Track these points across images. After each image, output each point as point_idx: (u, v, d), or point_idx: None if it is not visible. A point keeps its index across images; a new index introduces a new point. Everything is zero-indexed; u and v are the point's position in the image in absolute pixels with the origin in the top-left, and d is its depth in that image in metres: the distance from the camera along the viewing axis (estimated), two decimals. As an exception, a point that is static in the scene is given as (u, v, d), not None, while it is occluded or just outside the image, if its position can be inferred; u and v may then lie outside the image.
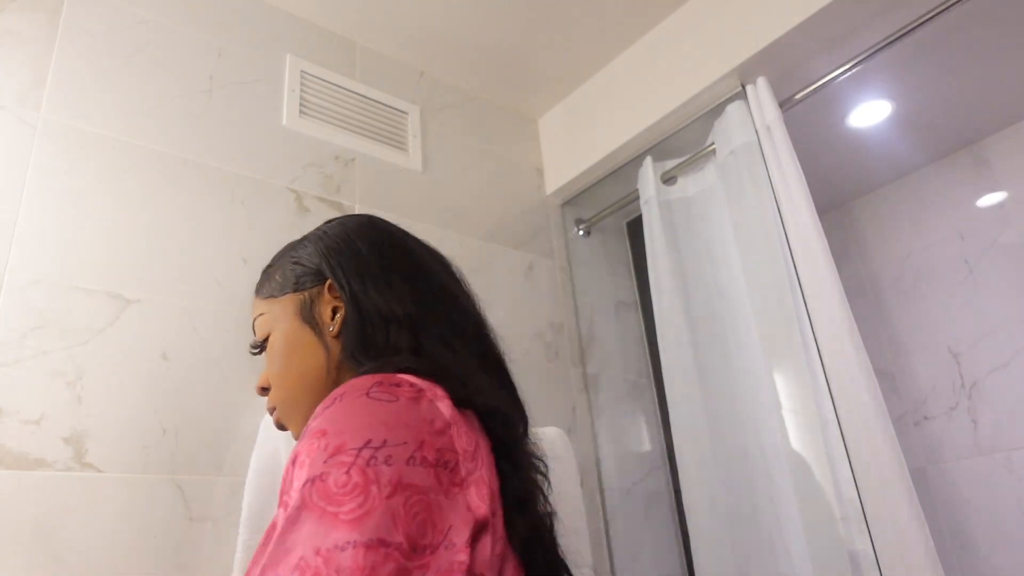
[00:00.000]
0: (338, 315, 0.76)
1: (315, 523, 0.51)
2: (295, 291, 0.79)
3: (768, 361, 1.40)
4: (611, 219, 2.00)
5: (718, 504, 1.42)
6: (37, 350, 1.07)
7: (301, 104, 1.55)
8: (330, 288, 0.77)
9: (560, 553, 0.69)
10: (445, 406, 0.61)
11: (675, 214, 1.71)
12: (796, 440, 1.32)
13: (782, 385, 1.37)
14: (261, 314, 0.82)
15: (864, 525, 1.20)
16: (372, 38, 1.73)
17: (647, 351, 1.94)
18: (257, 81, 1.50)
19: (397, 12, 1.67)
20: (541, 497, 0.70)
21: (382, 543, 0.50)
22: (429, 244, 0.85)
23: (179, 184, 1.30)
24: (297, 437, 0.77)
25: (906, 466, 1.20)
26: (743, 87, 1.58)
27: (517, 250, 1.83)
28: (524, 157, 2.00)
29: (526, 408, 0.76)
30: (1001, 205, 2.03)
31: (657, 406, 1.88)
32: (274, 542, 0.52)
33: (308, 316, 0.77)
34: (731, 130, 1.56)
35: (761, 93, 1.52)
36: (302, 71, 1.58)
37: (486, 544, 0.56)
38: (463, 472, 0.58)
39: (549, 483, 0.72)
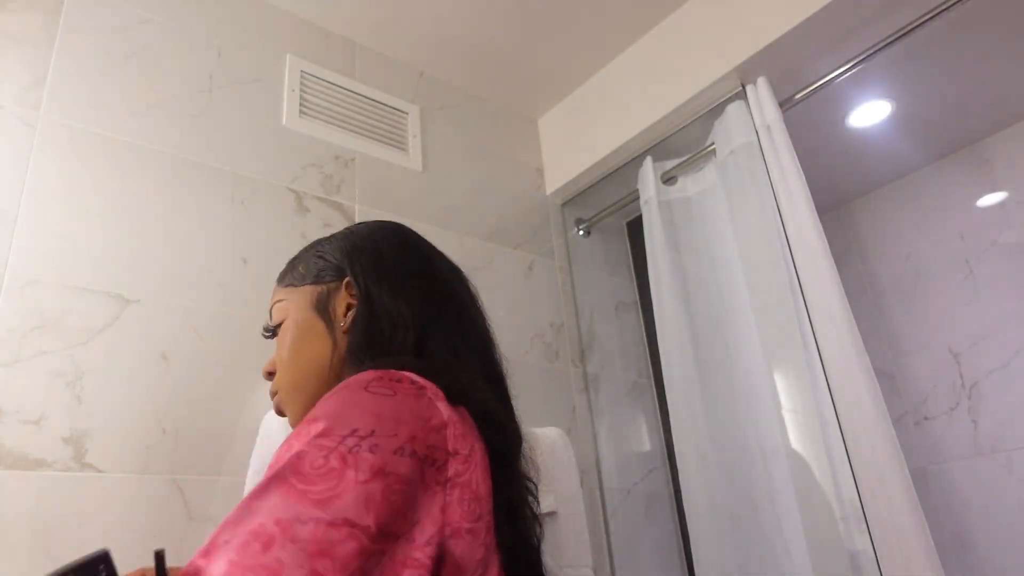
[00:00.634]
0: (351, 312, 0.78)
1: (282, 496, 0.51)
2: (314, 283, 0.82)
3: (768, 361, 1.40)
4: (611, 219, 2.00)
5: (718, 504, 1.42)
6: (37, 350, 1.07)
7: (301, 104, 1.55)
8: (347, 285, 0.79)
9: (544, 568, 0.71)
10: (444, 406, 0.62)
11: (675, 214, 1.71)
12: (796, 440, 1.32)
13: (782, 385, 1.37)
14: (280, 300, 0.84)
15: (864, 525, 1.20)
16: (372, 38, 1.73)
17: (647, 351, 1.94)
18: (257, 81, 1.50)
19: (397, 12, 1.67)
20: (529, 511, 0.71)
21: (347, 523, 0.50)
22: (451, 259, 0.87)
23: (179, 184, 1.30)
24: (294, 425, 0.79)
25: (906, 466, 1.20)
26: (743, 87, 1.58)
27: (517, 250, 1.83)
28: (524, 157, 2.00)
29: (521, 428, 0.76)
30: (1001, 205, 2.03)
31: (657, 406, 1.88)
32: (239, 505, 0.52)
33: (322, 308, 0.79)
34: (731, 130, 1.56)
35: (761, 93, 1.52)
36: (302, 71, 1.58)
37: (459, 547, 0.57)
38: (449, 472, 0.58)
39: (538, 503, 0.74)
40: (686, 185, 1.72)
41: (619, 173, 1.88)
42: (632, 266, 2.06)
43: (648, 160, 1.76)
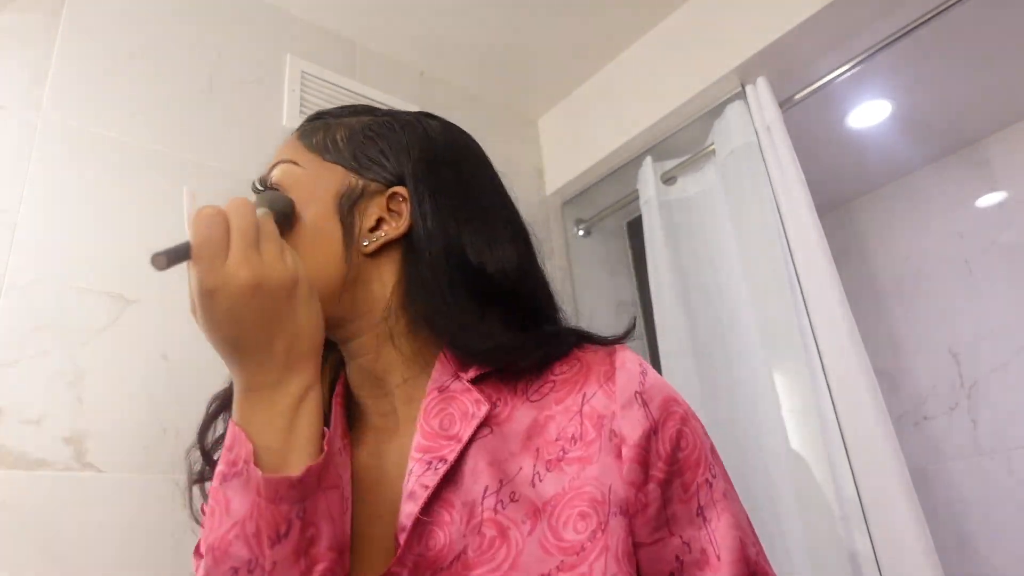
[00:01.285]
0: (385, 231, 0.60)
1: (729, 482, 0.58)
2: (349, 168, 0.62)
3: (768, 361, 1.40)
4: (611, 219, 2.00)
5: (718, 504, 1.42)
6: (37, 350, 1.07)
7: (301, 104, 1.55)
8: (392, 197, 0.62)
9: None
10: None
11: (675, 214, 1.71)
12: (796, 440, 1.32)
13: (782, 385, 1.37)
14: (290, 162, 0.63)
15: (864, 525, 1.20)
16: (372, 38, 1.73)
17: (647, 351, 1.94)
18: (257, 81, 1.50)
19: (397, 12, 1.67)
20: None
21: None
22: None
23: (179, 184, 1.30)
24: None
25: (906, 466, 1.20)
26: (743, 87, 1.58)
27: (517, 250, 1.83)
28: (524, 157, 2.00)
29: None
30: (1001, 205, 2.03)
31: (657, 406, 1.87)
32: (729, 508, 0.55)
33: (347, 210, 0.60)
34: (731, 130, 1.56)
35: (761, 93, 1.52)
36: (302, 71, 1.58)
37: None
38: None
39: None
40: (686, 185, 1.72)
41: (619, 173, 1.88)
42: (632, 266, 2.06)
43: (648, 160, 1.76)
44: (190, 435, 1.16)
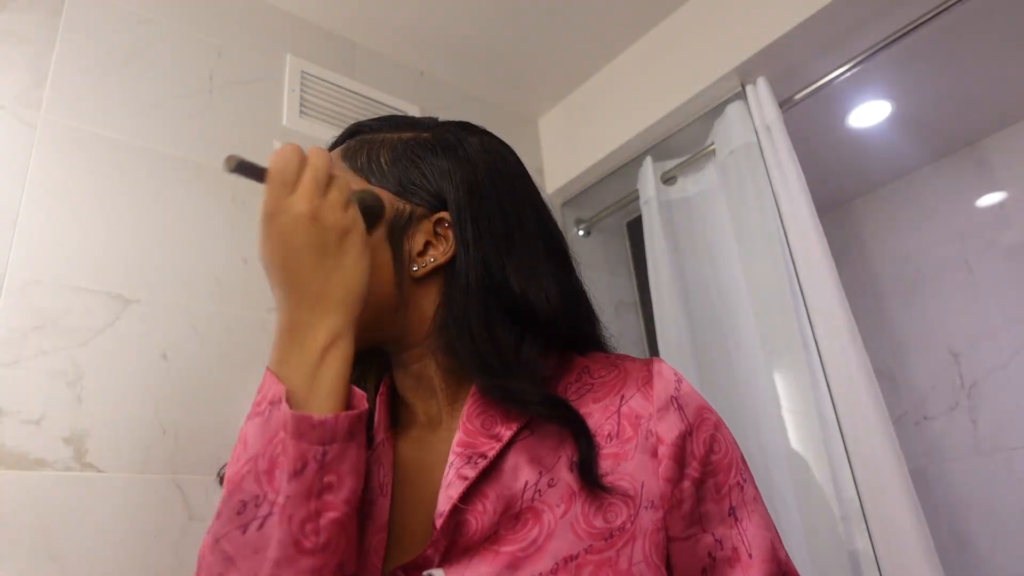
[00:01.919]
0: (433, 256, 0.62)
1: (758, 490, 0.59)
2: (395, 193, 0.63)
3: (768, 361, 1.40)
4: (611, 219, 2.00)
5: (718, 504, 1.42)
6: (37, 350, 1.07)
7: (301, 104, 1.55)
8: (438, 222, 0.63)
9: None
10: None
11: (675, 214, 1.71)
12: (796, 440, 1.32)
13: (782, 385, 1.37)
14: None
15: (864, 525, 1.20)
16: (372, 38, 1.73)
17: (647, 351, 1.94)
18: (257, 81, 1.50)
19: (397, 12, 1.67)
20: None
21: None
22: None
23: (179, 184, 1.30)
24: None
25: (906, 466, 1.20)
26: (743, 87, 1.58)
27: (517, 250, 1.83)
28: (524, 157, 1.97)
29: None
30: (1001, 205, 2.03)
31: (657, 406, 1.87)
32: (758, 510, 0.57)
33: (397, 235, 0.61)
34: (731, 130, 1.56)
35: (761, 93, 1.52)
36: (302, 71, 1.58)
37: None
38: None
39: None
40: (686, 185, 1.72)
41: (619, 173, 1.88)
42: (632, 266, 2.06)
43: (648, 160, 1.76)
44: (190, 435, 1.16)
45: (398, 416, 0.67)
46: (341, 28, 1.70)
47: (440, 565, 0.53)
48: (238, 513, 0.49)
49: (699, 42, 1.66)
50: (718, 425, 0.59)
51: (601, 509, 0.53)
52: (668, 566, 0.54)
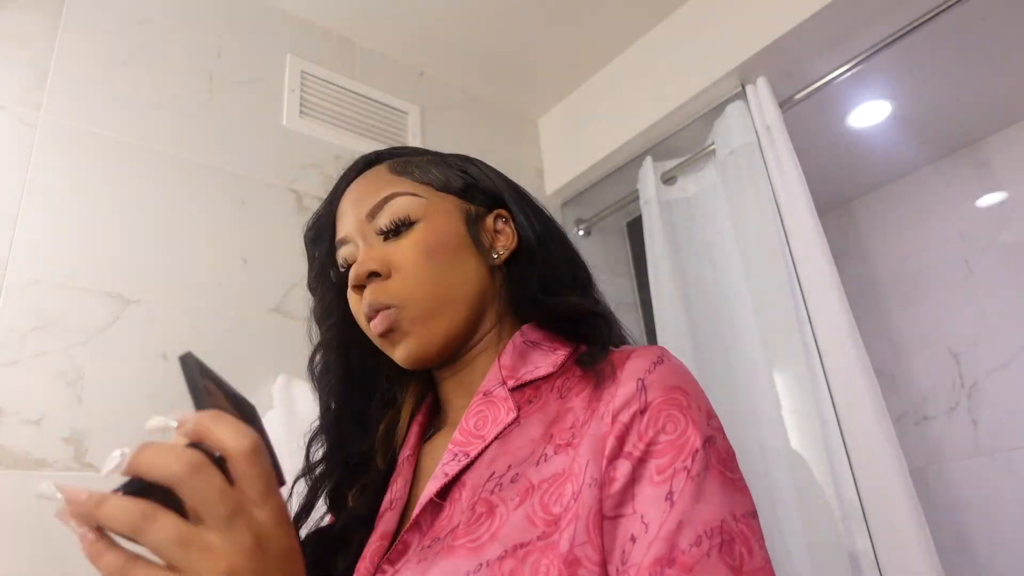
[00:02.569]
0: (504, 244, 0.69)
1: (720, 487, 0.53)
2: (460, 197, 0.69)
3: (768, 361, 1.40)
4: (611, 219, 2.00)
5: (718, 504, 1.42)
6: (37, 350, 1.07)
7: (301, 104, 1.55)
8: (498, 217, 0.70)
9: None
10: None
11: (675, 214, 1.71)
12: (796, 440, 1.32)
13: (782, 385, 1.37)
14: (409, 194, 0.67)
15: (864, 525, 1.20)
16: (372, 38, 1.73)
17: (647, 351, 1.94)
18: (257, 81, 1.50)
19: (397, 12, 1.67)
20: None
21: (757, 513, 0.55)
22: None
23: (179, 184, 1.30)
24: (413, 351, 0.64)
25: (906, 466, 1.20)
26: (743, 87, 1.58)
27: (517, 250, 1.83)
28: (524, 157, 2.00)
29: None
30: (1001, 205, 2.03)
31: (657, 406, 1.87)
32: (685, 497, 0.51)
33: (474, 231, 0.68)
34: (731, 130, 1.56)
35: (761, 93, 1.52)
36: (302, 71, 1.58)
37: None
38: None
39: None
40: (686, 185, 1.72)
41: (619, 173, 1.88)
42: (632, 266, 2.06)
43: (648, 160, 1.76)
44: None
45: (438, 424, 0.72)
46: (341, 28, 1.70)
47: (418, 551, 0.56)
48: None
49: (699, 42, 1.66)
50: (686, 408, 0.55)
51: (558, 496, 0.53)
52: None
